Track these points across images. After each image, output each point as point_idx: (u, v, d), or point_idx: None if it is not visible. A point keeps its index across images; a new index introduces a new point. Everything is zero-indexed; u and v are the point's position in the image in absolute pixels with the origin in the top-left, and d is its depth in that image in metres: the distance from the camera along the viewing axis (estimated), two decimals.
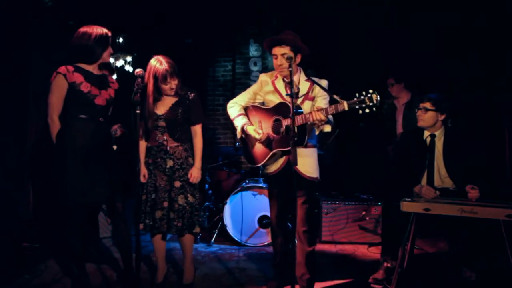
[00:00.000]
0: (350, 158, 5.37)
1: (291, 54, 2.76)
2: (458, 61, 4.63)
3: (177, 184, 3.04)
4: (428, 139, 3.26)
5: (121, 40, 5.17)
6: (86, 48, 2.83)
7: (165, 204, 3.03)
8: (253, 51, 6.00)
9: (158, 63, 2.95)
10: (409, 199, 2.87)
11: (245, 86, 5.75)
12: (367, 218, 4.27)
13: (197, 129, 3.14)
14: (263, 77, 3.09)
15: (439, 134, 3.23)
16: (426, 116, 3.20)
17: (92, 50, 2.84)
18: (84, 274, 3.03)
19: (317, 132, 2.75)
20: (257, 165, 3.05)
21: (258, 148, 3.02)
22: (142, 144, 3.11)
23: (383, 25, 5.08)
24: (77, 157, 2.80)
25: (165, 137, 3.05)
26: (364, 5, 4.94)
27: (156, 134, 3.05)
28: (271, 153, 2.91)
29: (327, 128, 2.72)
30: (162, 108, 3.05)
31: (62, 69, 2.80)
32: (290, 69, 2.53)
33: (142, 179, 3.05)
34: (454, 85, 4.46)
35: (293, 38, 2.80)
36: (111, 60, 5.03)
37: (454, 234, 3.21)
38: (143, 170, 3.06)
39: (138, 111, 2.50)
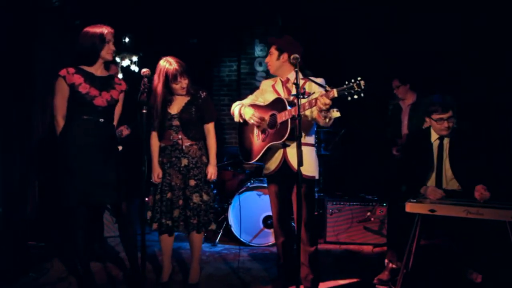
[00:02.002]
0: (355, 159, 5.37)
1: (276, 53, 3.01)
2: (459, 61, 4.62)
3: (192, 182, 3.07)
4: (437, 142, 3.22)
5: (127, 40, 5.19)
6: (83, 50, 2.86)
7: (181, 202, 3.07)
8: (258, 51, 6.00)
9: (167, 63, 2.99)
10: (414, 200, 2.86)
11: (250, 86, 5.80)
12: (372, 218, 4.26)
13: (210, 127, 3.20)
14: (264, 82, 3.23)
15: (447, 136, 3.21)
16: (452, 124, 3.13)
17: (89, 51, 2.87)
18: (88, 273, 3.04)
19: (327, 121, 2.70)
20: (251, 161, 3.09)
21: (254, 143, 3.08)
22: (156, 144, 3.13)
23: (384, 25, 5.09)
24: (77, 157, 2.82)
25: (179, 136, 3.08)
26: (371, 5, 4.94)
27: (171, 134, 3.08)
28: (266, 147, 2.95)
29: (336, 114, 2.70)
30: (175, 108, 3.09)
31: (63, 71, 2.83)
32: (296, 69, 2.53)
33: (157, 180, 3.07)
34: (456, 85, 4.45)
35: (277, 39, 3.05)
36: (117, 59, 5.05)
37: (459, 235, 3.20)
38: (157, 170, 3.08)
39: (144, 111, 2.51)
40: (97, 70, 2.94)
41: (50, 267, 3.47)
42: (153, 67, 2.99)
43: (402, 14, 4.91)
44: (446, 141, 3.20)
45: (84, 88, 2.84)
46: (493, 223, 2.68)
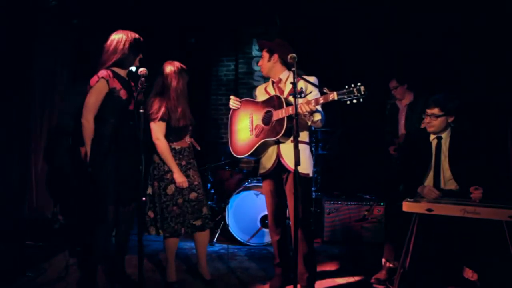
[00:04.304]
0: (353, 159, 5.37)
1: (267, 55, 3.10)
2: (459, 61, 4.62)
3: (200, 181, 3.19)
4: (435, 142, 3.22)
5: None
6: (126, 54, 2.88)
7: (206, 201, 3.14)
8: (256, 50, 6.00)
9: (177, 64, 3.07)
10: (412, 200, 2.87)
11: (248, 86, 5.80)
12: (369, 218, 4.27)
13: None
14: (258, 89, 3.32)
15: (446, 136, 3.19)
16: (437, 123, 3.13)
17: (130, 56, 2.90)
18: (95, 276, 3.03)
19: (309, 123, 2.83)
20: (243, 155, 3.12)
21: (246, 137, 3.12)
22: (168, 147, 3.04)
23: (384, 25, 5.09)
24: (112, 157, 2.85)
25: (192, 139, 3.20)
26: (370, 5, 4.95)
27: (186, 136, 3.13)
28: (259, 143, 2.99)
29: (317, 117, 2.83)
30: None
31: (104, 74, 2.83)
32: (293, 69, 2.53)
33: (185, 184, 3.01)
34: (456, 85, 4.46)
35: (266, 42, 3.12)
36: None
37: (456, 234, 3.21)
38: (183, 177, 3.02)
39: (142, 111, 2.50)
40: (125, 74, 2.98)
41: (48, 267, 3.46)
42: (150, 66, 2.99)
43: (402, 14, 4.91)
44: (444, 140, 3.19)
45: (124, 94, 2.88)
46: (489, 222, 2.68)
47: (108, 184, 2.85)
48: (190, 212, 3.05)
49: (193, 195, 3.06)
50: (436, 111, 3.11)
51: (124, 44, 2.88)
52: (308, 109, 2.67)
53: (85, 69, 3.90)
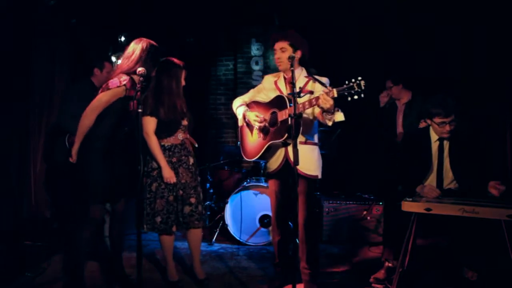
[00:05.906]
0: (352, 158, 5.37)
1: (290, 49, 2.86)
2: (458, 61, 4.63)
3: (198, 179, 3.17)
4: (437, 143, 3.20)
5: (123, 38, 5.17)
6: (146, 63, 2.84)
7: (193, 200, 3.08)
8: (255, 50, 6.00)
9: (170, 60, 3.05)
10: (410, 199, 2.87)
11: (247, 85, 5.80)
12: (368, 217, 4.27)
13: None
14: (266, 78, 3.19)
15: (447, 138, 3.20)
16: (453, 127, 3.08)
17: (149, 65, 2.85)
18: (82, 275, 2.99)
19: (329, 123, 2.70)
20: (252, 159, 3.10)
21: (254, 140, 3.09)
22: (158, 144, 3.03)
23: (384, 25, 5.09)
24: (100, 159, 2.83)
25: (187, 136, 3.16)
26: (370, 5, 4.95)
27: (179, 133, 3.10)
28: (266, 145, 2.95)
29: (340, 117, 2.68)
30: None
31: (127, 81, 2.78)
32: (292, 68, 2.53)
33: (173, 180, 3.01)
34: (455, 84, 4.46)
35: (293, 34, 2.91)
36: (113, 58, 5.04)
37: (455, 234, 3.21)
38: (170, 173, 3.01)
39: (140, 110, 2.50)
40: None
41: (47, 267, 3.45)
42: None
43: (402, 14, 4.92)
44: (446, 141, 3.19)
45: (131, 106, 2.84)
46: (488, 221, 2.68)
47: (92, 183, 2.82)
48: (176, 210, 3.05)
49: (181, 192, 3.07)
50: (453, 117, 3.05)
51: (147, 54, 2.86)
52: (326, 99, 2.50)
53: (84, 68, 3.93)
